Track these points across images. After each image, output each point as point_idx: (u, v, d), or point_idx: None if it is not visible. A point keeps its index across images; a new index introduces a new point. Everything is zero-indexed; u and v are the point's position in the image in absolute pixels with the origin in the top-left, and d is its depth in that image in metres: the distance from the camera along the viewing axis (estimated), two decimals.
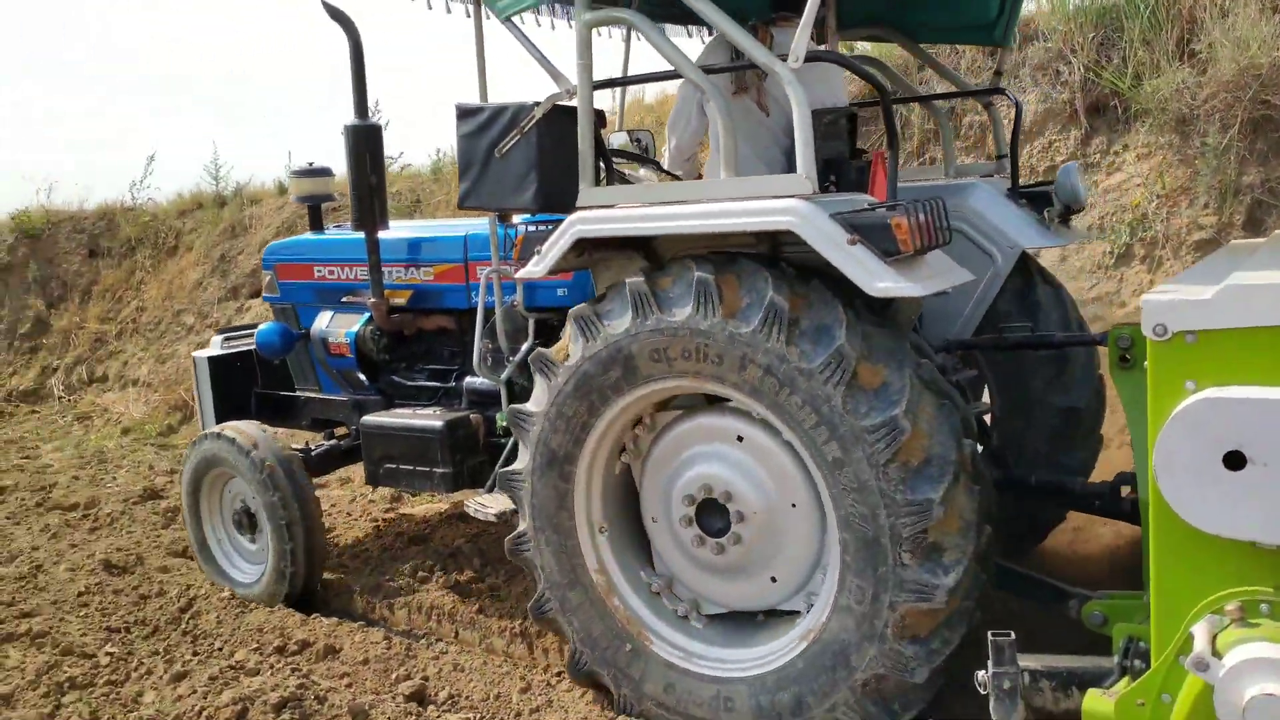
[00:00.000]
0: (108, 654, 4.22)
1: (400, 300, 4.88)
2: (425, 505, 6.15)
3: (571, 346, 3.42)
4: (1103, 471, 4.29)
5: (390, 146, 11.89)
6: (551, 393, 3.46)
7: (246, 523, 4.90)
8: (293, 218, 9.80)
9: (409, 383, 4.94)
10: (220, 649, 4.32)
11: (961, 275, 3.15)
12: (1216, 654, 2.09)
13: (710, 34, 4.99)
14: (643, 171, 4.56)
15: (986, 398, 4.38)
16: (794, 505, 3.23)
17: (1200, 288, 2.22)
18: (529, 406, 3.58)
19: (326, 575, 5.00)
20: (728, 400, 3.30)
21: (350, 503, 6.36)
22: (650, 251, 3.56)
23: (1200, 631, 2.17)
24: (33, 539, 5.89)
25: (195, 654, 4.27)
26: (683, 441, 3.46)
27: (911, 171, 4.99)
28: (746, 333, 3.03)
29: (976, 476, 3.06)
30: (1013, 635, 2.61)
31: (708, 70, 3.39)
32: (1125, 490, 3.58)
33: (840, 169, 3.88)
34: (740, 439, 3.31)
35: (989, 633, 2.63)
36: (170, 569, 5.31)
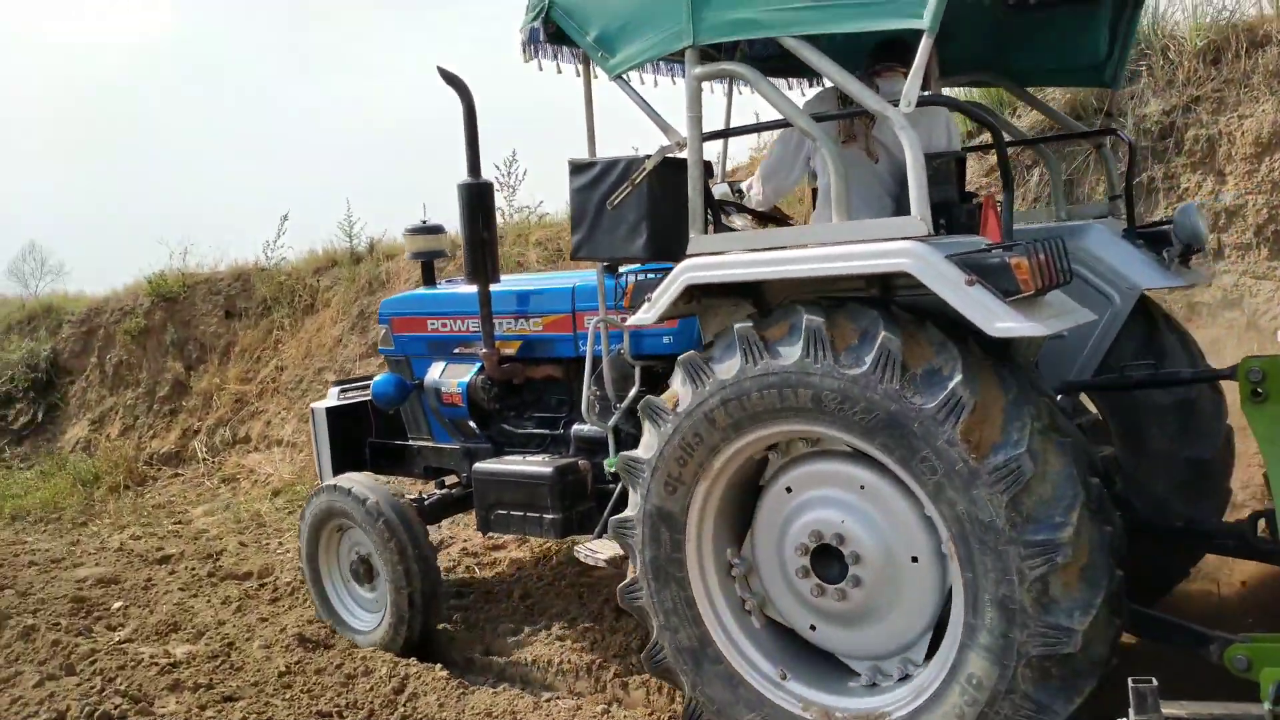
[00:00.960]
0: None
1: (510, 350, 5.00)
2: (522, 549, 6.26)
3: (681, 391, 3.47)
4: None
5: (528, 196, 11.90)
6: (661, 440, 3.51)
7: (364, 572, 5.02)
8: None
9: (518, 430, 5.04)
10: None
11: (1084, 315, 3.13)
12: None
13: (810, 85, 5.06)
14: (739, 221, 4.62)
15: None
16: (914, 559, 3.22)
17: None
18: (639, 453, 3.62)
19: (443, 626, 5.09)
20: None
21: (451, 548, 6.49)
22: (758, 298, 3.60)
23: None
24: (215, 612, 5.63)
25: None
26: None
27: (1019, 215, 4.95)
28: (858, 374, 3.04)
29: (1105, 517, 3.00)
30: (1155, 682, 2.55)
31: (817, 118, 3.43)
32: (1262, 527, 3.48)
33: (950, 212, 3.87)
34: (862, 486, 3.31)
35: (1130, 679, 2.57)
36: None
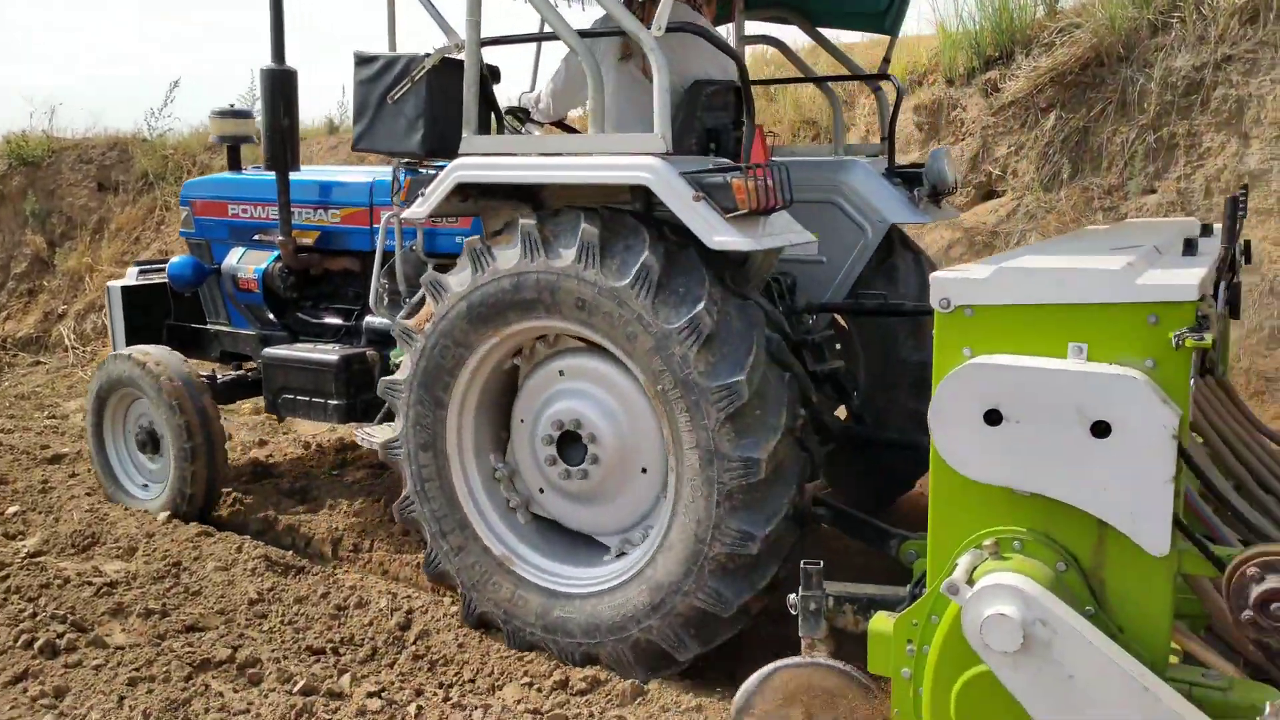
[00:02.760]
0: (369, 694, 3.40)
1: (308, 240, 5.07)
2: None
3: (461, 275, 3.67)
4: None
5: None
6: (440, 313, 3.70)
7: (150, 443, 5.08)
8: (352, 159, 8.32)
9: (314, 320, 5.15)
10: (478, 684, 3.58)
11: (800, 236, 3.47)
12: (970, 582, 2.44)
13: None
14: (536, 131, 4.79)
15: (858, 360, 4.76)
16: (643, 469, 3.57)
17: (984, 268, 2.54)
18: (397, 376, 3.83)
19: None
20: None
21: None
22: (537, 203, 3.81)
23: (963, 563, 2.50)
24: (139, 523, 4.87)
25: (455, 690, 3.53)
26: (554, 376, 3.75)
27: (805, 149, 5.30)
28: (620, 287, 3.31)
29: (804, 442, 3.41)
30: (820, 564, 2.94)
31: (587, 34, 3.62)
32: None
33: (721, 138, 4.14)
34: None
35: (801, 561, 2.97)
36: (345, 567, 4.63)
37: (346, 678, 3.54)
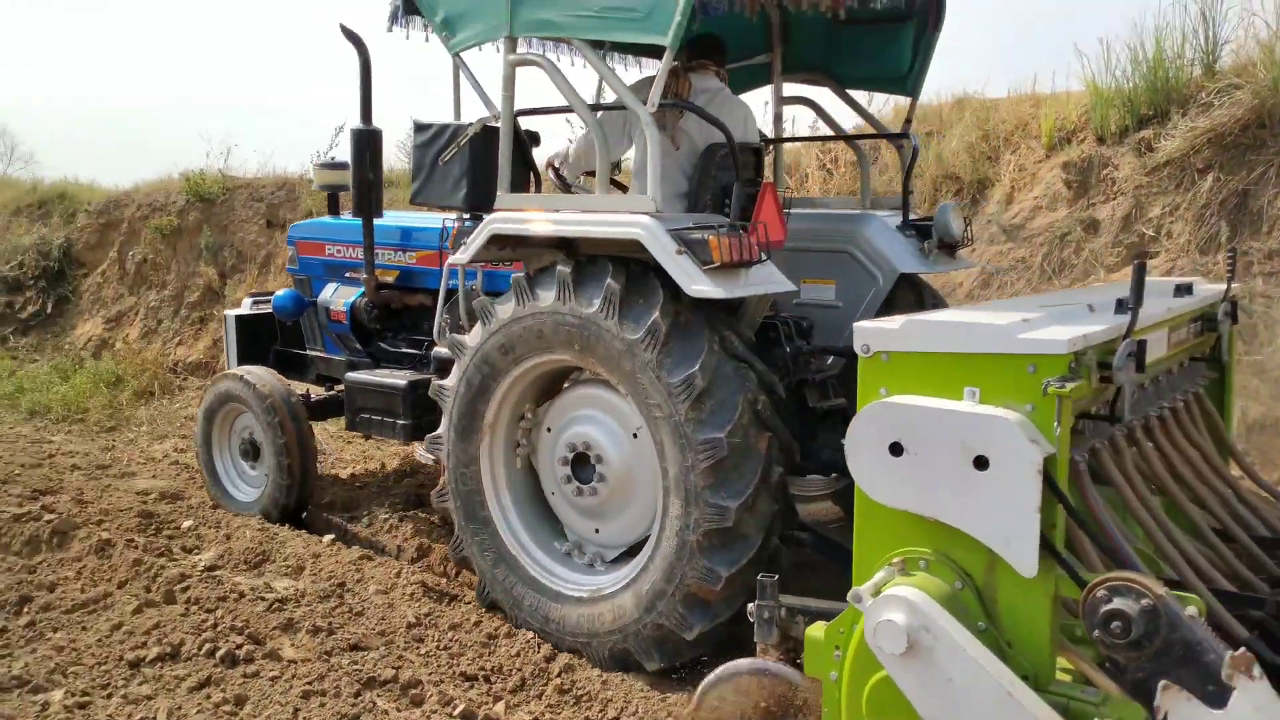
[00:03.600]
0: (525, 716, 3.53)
1: (389, 278, 5.74)
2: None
3: (508, 305, 4.21)
4: None
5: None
6: (487, 333, 4.26)
7: (251, 452, 5.83)
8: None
9: (393, 349, 5.80)
10: None
11: (780, 286, 3.87)
12: (876, 595, 2.79)
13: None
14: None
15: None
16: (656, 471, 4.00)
17: (899, 320, 2.91)
18: (447, 382, 4.40)
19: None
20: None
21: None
22: (570, 250, 4.33)
23: (874, 579, 2.87)
24: (305, 544, 5.16)
25: None
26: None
27: (833, 201, 5.67)
28: (633, 340, 3.77)
29: (769, 425, 3.79)
30: (775, 577, 3.31)
31: (597, 108, 4.13)
32: None
33: (731, 194, 4.57)
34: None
35: (759, 574, 3.35)
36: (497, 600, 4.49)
37: (500, 705, 3.67)
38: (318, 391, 6.22)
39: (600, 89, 5.48)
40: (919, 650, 2.65)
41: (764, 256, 3.80)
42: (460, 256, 4.32)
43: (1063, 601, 2.72)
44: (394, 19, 4.67)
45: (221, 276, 10.72)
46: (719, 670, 3.29)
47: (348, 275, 5.98)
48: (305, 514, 5.79)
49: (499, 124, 4.22)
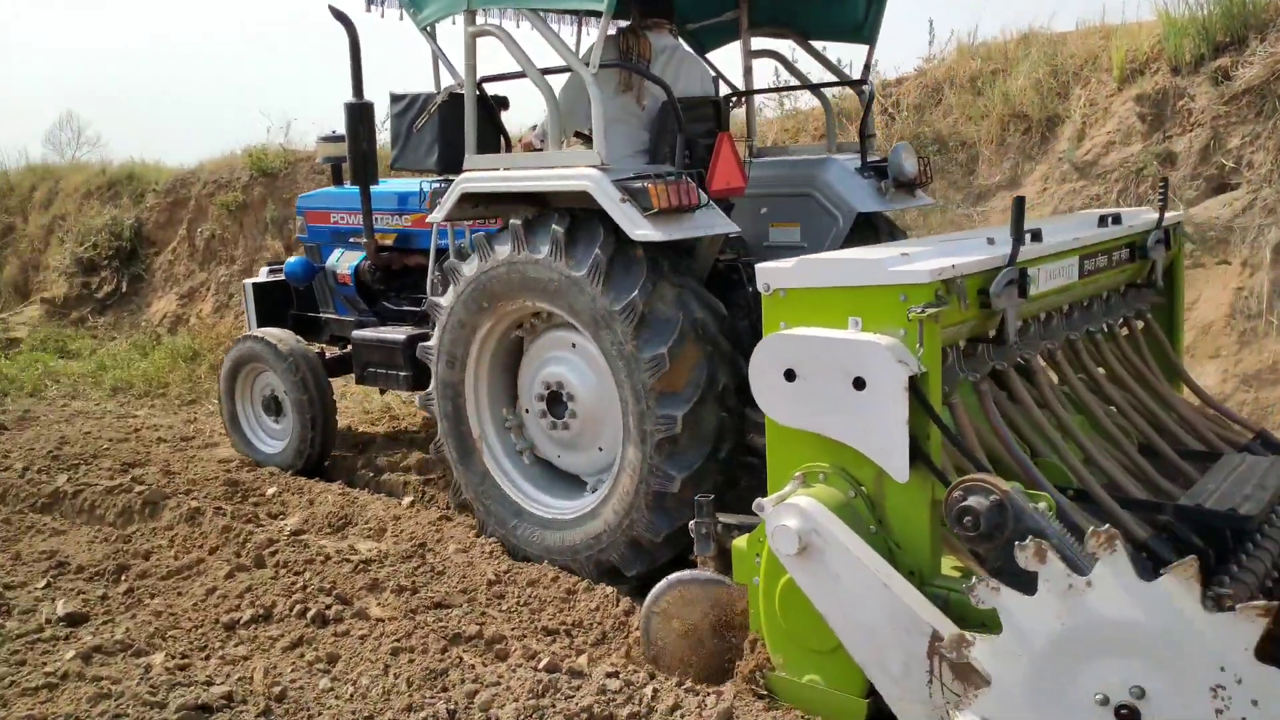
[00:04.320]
0: (607, 674, 3.40)
1: (389, 241, 6.13)
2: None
3: (471, 263, 4.57)
4: None
5: None
6: (456, 292, 4.64)
7: (274, 407, 6.31)
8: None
9: (395, 308, 6.21)
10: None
11: (723, 228, 4.17)
12: (775, 505, 3.13)
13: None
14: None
15: None
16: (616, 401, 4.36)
17: (792, 260, 3.21)
18: (430, 342, 4.79)
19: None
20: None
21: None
22: (542, 206, 4.66)
23: (782, 491, 3.20)
24: (385, 506, 5.32)
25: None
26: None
27: (801, 149, 5.90)
28: (579, 276, 4.14)
29: (711, 340, 4.12)
30: (712, 496, 3.66)
31: (548, 71, 4.42)
32: None
33: (694, 146, 4.85)
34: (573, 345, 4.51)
35: (696, 495, 3.70)
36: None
37: (584, 658, 3.71)
38: (333, 351, 6.67)
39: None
40: (811, 551, 2.99)
41: (705, 201, 4.09)
42: (436, 215, 4.69)
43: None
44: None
45: (288, 249, 10.70)
46: (665, 580, 3.66)
47: (351, 241, 6.38)
48: (326, 462, 6.26)
49: (464, 91, 4.55)
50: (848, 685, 3.08)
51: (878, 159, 5.23)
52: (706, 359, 4.07)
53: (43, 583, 4.48)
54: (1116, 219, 4.16)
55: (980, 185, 7.65)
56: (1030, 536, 2.58)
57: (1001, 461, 3.31)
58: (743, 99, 5.84)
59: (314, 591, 4.18)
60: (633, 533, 4.19)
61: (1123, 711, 2.43)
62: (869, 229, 5.20)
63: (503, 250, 4.35)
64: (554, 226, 4.16)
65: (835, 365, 2.98)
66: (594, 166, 4.08)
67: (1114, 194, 6.85)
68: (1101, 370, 4.13)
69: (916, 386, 2.89)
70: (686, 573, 3.65)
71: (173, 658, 3.73)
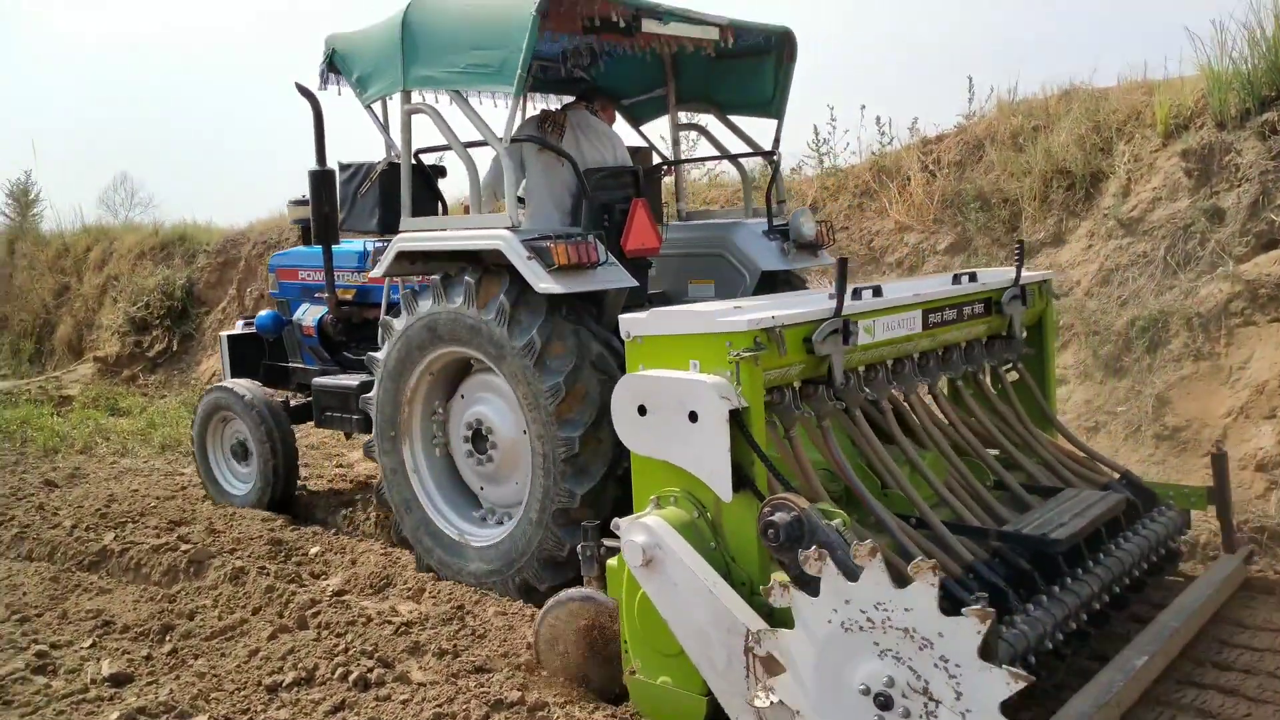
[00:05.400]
0: None
1: (349, 296, 6.68)
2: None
3: (402, 318, 5.10)
4: None
5: None
6: (390, 345, 5.17)
7: (241, 452, 6.81)
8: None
9: (355, 357, 6.72)
10: None
11: (616, 283, 4.67)
12: None
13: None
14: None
15: None
16: (524, 432, 4.84)
17: (649, 312, 3.71)
18: (378, 354, 5.32)
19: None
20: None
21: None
22: (474, 263, 5.18)
23: (640, 512, 3.66)
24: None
25: None
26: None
27: (722, 213, 6.46)
28: (488, 320, 4.66)
29: (605, 371, 4.57)
30: (597, 522, 4.11)
31: (470, 145, 4.97)
32: None
33: (611, 210, 5.38)
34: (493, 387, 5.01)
35: (583, 522, 4.15)
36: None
37: None
38: (299, 398, 7.18)
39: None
40: (655, 563, 3.44)
41: (605, 259, 4.61)
42: (376, 271, 5.24)
43: None
44: (324, 78, 5.61)
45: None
46: (553, 598, 4.10)
47: (317, 296, 6.92)
48: (290, 502, 6.74)
49: (401, 161, 5.12)
50: (690, 685, 3.50)
51: (782, 223, 5.76)
52: (602, 386, 4.53)
53: (88, 642, 4.59)
54: (973, 277, 4.65)
55: (1023, 242, 7.61)
56: (815, 546, 3.03)
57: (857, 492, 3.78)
58: (672, 167, 6.41)
59: (356, 654, 4.18)
60: (544, 550, 4.64)
61: (880, 699, 2.86)
62: (781, 284, 5.71)
63: (425, 304, 4.88)
64: (466, 279, 4.69)
65: (675, 401, 3.47)
66: (506, 228, 4.61)
67: (1161, 250, 6.74)
68: (966, 413, 4.60)
69: (739, 419, 3.37)
70: (574, 590, 4.09)
71: (215, 719, 3.80)
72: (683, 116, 6.34)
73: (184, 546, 5.65)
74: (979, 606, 2.69)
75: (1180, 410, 6.11)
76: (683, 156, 6.42)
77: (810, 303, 3.85)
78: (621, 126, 6.24)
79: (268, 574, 5.22)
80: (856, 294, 3.96)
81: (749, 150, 6.08)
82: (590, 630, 3.98)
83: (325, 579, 5.27)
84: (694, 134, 6.87)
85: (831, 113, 9.28)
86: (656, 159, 6.34)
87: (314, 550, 5.74)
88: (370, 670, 4.02)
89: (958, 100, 9.59)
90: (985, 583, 3.60)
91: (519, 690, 3.83)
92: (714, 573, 3.38)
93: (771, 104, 5.85)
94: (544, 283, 4.44)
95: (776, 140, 5.92)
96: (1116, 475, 4.74)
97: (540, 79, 6.38)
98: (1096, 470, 4.80)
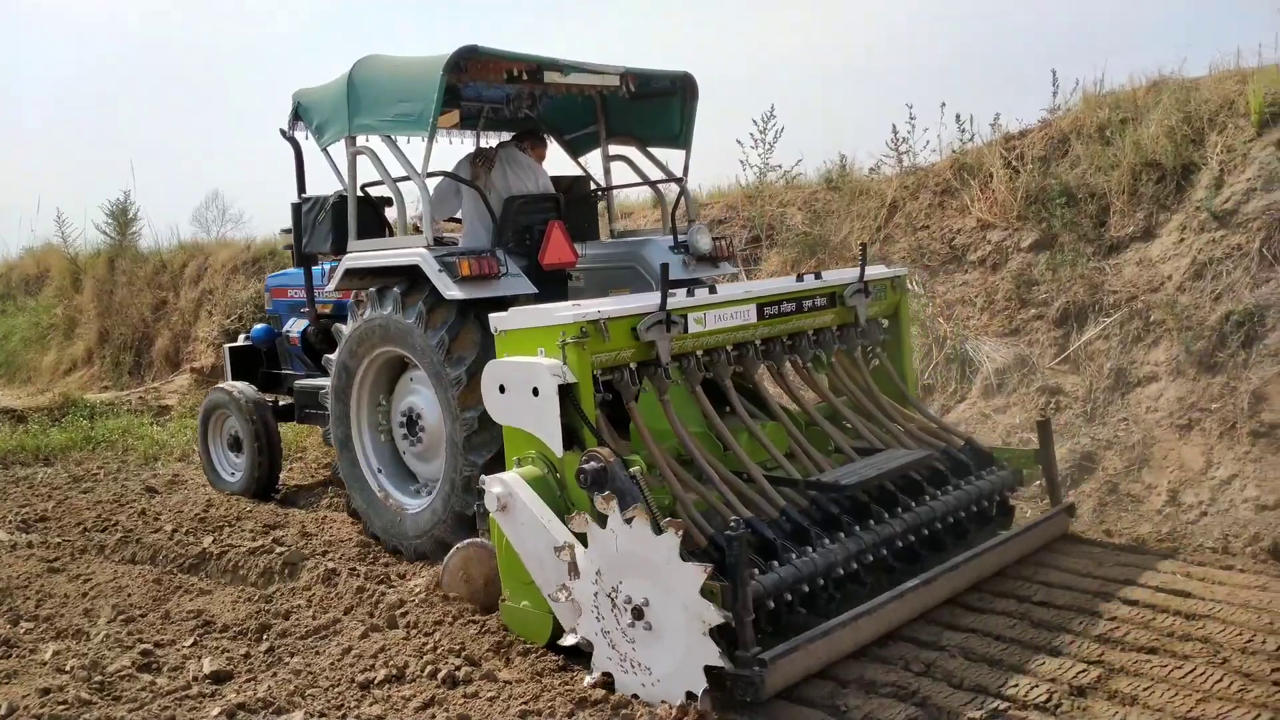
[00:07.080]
0: None
1: (327, 310, 7.69)
2: None
3: (350, 324, 6.08)
4: None
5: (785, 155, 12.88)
6: (340, 349, 6.16)
7: (235, 445, 7.85)
8: None
9: None
10: None
11: (514, 289, 5.55)
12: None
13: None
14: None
15: None
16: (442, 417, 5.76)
17: (511, 310, 4.63)
18: (333, 356, 6.30)
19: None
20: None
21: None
22: (413, 278, 6.14)
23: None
24: None
25: None
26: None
27: (644, 231, 7.36)
28: (410, 324, 5.61)
29: None
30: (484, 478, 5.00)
31: (400, 179, 5.93)
32: None
33: (530, 232, 6.30)
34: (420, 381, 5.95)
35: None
36: None
37: None
38: (288, 400, 8.21)
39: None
40: (509, 509, 4.34)
41: (506, 270, 5.53)
42: (330, 286, 6.24)
43: None
44: (291, 125, 6.67)
45: None
46: (454, 546, 5.02)
47: (302, 311, 7.95)
48: (276, 492, 7.75)
49: (348, 194, 6.13)
50: (541, 606, 4.37)
51: (685, 239, 6.65)
52: None
53: (190, 641, 4.80)
54: (817, 275, 5.50)
55: (1111, 237, 7.45)
56: (609, 489, 3.92)
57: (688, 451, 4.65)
58: (603, 193, 7.33)
59: (444, 653, 4.33)
60: (454, 510, 5.56)
61: (637, 611, 3.77)
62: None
63: (366, 312, 5.86)
64: (395, 290, 5.66)
65: (523, 380, 4.37)
66: (424, 247, 5.58)
67: (1256, 242, 6.58)
68: (815, 390, 5.45)
69: (569, 392, 4.26)
70: (468, 540, 5.01)
71: (311, 716, 3.91)
72: (612, 149, 7.25)
73: (278, 549, 5.92)
74: (702, 565, 3.63)
75: (1277, 406, 6.01)
76: (613, 183, 7.33)
77: (643, 300, 4.74)
78: (560, 157, 7.22)
79: (358, 575, 5.46)
80: (690, 292, 4.84)
81: (664, 177, 6.99)
82: (479, 569, 4.89)
83: (413, 579, 5.43)
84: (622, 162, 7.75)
85: (910, 111, 9.39)
86: (593, 185, 7.27)
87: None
88: (458, 668, 4.15)
89: (1042, 95, 9.52)
90: (794, 523, 4.43)
91: (602, 689, 3.95)
92: (549, 510, 4.27)
93: (679, 137, 6.76)
94: (451, 290, 5.38)
95: (685, 168, 6.82)
96: (960, 441, 5.51)
97: (491, 119, 7.39)
98: (942, 437, 5.57)
